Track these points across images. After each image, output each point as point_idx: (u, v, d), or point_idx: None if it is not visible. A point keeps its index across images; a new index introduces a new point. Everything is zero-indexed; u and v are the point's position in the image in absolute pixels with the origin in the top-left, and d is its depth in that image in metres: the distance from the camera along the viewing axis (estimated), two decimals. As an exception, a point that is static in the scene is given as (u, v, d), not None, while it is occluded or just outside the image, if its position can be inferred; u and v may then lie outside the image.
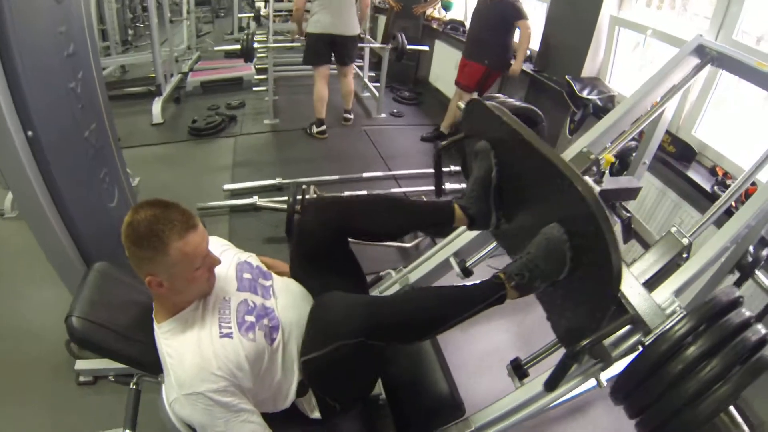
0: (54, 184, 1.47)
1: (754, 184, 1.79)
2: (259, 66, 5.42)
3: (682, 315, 1.19)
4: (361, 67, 5.43)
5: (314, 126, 4.31)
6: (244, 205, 3.13)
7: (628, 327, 1.26)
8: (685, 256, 1.40)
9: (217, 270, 1.25)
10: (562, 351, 1.54)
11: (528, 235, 1.30)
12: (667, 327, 1.18)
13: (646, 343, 1.22)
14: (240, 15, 6.98)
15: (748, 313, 1.19)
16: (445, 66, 5.24)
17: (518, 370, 1.55)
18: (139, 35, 6.70)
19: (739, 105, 2.63)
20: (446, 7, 5.45)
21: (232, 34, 7.11)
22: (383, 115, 4.90)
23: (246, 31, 4.45)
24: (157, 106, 4.45)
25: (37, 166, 1.41)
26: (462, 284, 1.33)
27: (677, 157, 2.60)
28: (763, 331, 1.14)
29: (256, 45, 4.31)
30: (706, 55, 1.84)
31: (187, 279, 1.13)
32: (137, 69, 5.51)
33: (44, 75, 1.46)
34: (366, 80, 5.35)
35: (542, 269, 1.23)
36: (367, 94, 5.33)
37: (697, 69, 1.86)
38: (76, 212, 1.58)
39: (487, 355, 2.23)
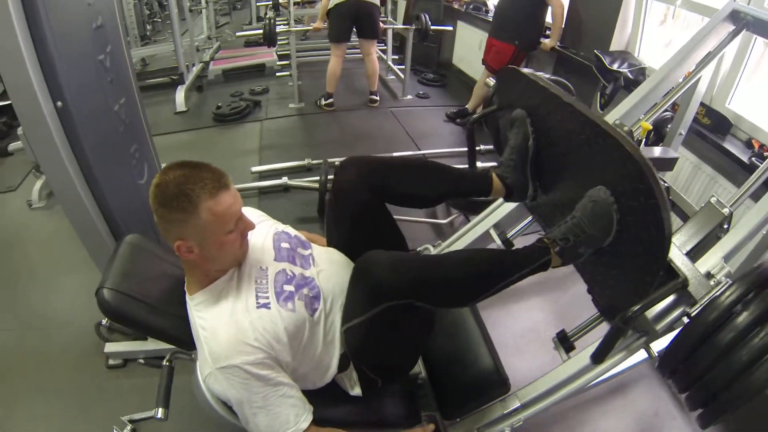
0: (84, 158, 1.43)
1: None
2: (281, 52, 5.38)
3: (728, 283, 1.14)
4: (384, 51, 5.37)
5: (323, 98, 4.48)
6: (273, 186, 3.11)
7: (671, 299, 1.24)
8: (725, 227, 1.37)
9: (254, 240, 1.21)
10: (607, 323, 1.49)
11: (568, 204, 1.26)
12: (715, 296, 1.13)
13: (693, 314, 1.17)
14: (258, 4, 6.94)
15: None
16: (468, 47, 5.16)
17: (565, 342, 1.51)
18: (157, 30, 6.76)
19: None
20: None
21: (251, 23, 7.07)
22: (409, 97, 4.84)
23: (268, 16, 4.41)
24: (180, 94, 4.45)
25: (66, 139, 1.37)
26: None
27: (712, 129, 2.52)
28: None
29: (278, 29, 4.26)
30: (740, 20, 1.78)
31: (218, 243, 1.07)
32: (158, 61, 5.54)
33: (73, 45, 1.42)
34: (390, 63, 5.29)
35: (588, 233, 1.18)
36: (392, 76, 5.28)
37: (732, 35, 1.81)
38: (107, 186, 1.54)
39: (527, 333, 2.18)
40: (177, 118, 4.27)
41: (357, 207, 1.37)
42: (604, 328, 1.49)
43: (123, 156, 1.76)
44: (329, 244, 1.48)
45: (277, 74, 5.06)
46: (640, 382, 2.01)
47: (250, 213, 1.29)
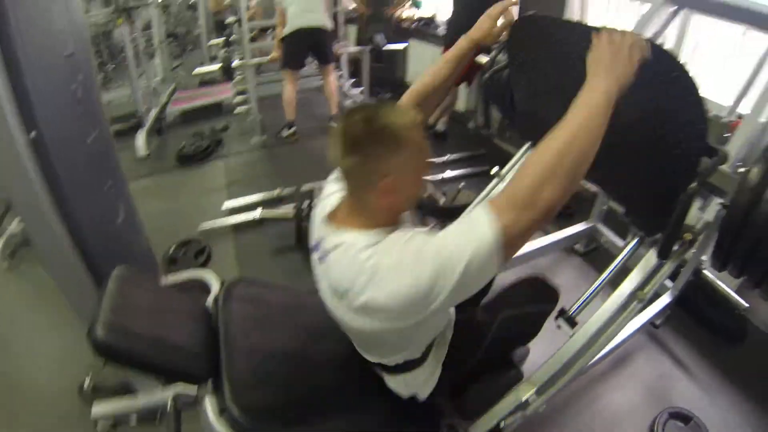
0: (60, 191, 1.36)
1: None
2: (239, 88, 5.33)
3: (747, 169, 1.25)
4: (340, 76, 5.39)
5: (285, 129, 4.44)
6: (247, 221, 3.03)
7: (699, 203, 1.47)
8: (726, 135, 1.50)
9: None
10: (602, 296, 1.60)
11: None
12: (742, 180, 1.24)
13: (727, 203, 1.31)
14: (210, 43, 6.87)
15: None
16: (422, 64, 5.26)
17: (567, 319, 1.57)
18: (109, 79, 6.62)
19: (713, 48, 2.72)
20: (416, 5, 5.48)
21: (203, 65, 7.00)
22: None
23: (225, 49, 4.41)
24: (140, 139, 4.35)
25: (41, 171, 1.30)
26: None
27: None
28: None
29: (235, 64, 4.30)
30: (676, 1, 1.92)
31: (418, 179, 1.09)
32: (114, 109, 5.35)
33: (46, 73, 1.37)
34: (347, 86, 5.32)
35: None
36: (350, 100, 5.27)
37: (673, 14, 1.96)
38: (84, 224, 1.47)
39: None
40: (139, 164, 4.16)
41: None
42: (598, 301, 1.56)
43: (98, 192, 1.70)
44: None
45: (236, 110, 4.95)
46: (640, 353, 2.15)
47: None
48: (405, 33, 5.43)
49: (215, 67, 4.47)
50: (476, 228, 0.93)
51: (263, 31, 5.82)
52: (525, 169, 0.95)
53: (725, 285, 1.98)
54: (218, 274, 2.34)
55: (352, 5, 5.56)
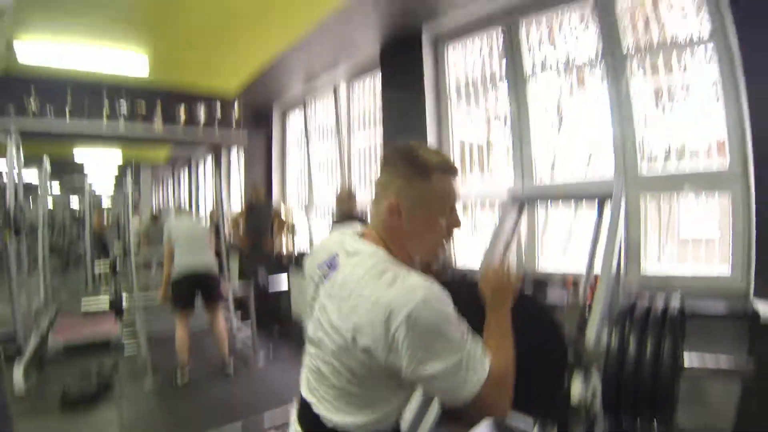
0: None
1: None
2: (128, 324, 5.15)
3: (609, 335, 1.59)
4: (228, 315, 5.39)
5: (178, 373, 4.32)
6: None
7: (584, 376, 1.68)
8: (587, 316, 1.82)
9: None
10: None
11: None
12: (606, 348, 1.58)
13: (602, 369, 1.60)
14: (96, 270, 6.76)
15: (645, 304, 1.68)
16: (304, 294, 5.50)
17: None
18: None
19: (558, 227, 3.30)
20: (293, 232, 5.95)
21: (87, 286, 6.82)
22: (261, 357, 4.95)
23: (113, 283, 4.50)
24: (18, 372, 3.95)
25: None
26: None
27: (536, 293, 2.99)
28: (663, 304, 1.64)
29: (124, 305, 4.39)
30: (520, 199, 2.34)
31: (428, 222, 1.13)
32: None
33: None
34: (236, 324, 5.39)
35: None
36: (241, 343, 5.26)
37: (520, 211, 2.35)
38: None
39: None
40: (17, 403, 3.69)
41: None
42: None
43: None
44: None
45: (126, 351, 4.90)
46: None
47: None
48: (285, 265, 5.84)
49: (104, 302, 4.49)
50: (476, 374, 1.05)
51: (148, 266, 5.97)
52: (506, 363, 1.11)
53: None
54: None
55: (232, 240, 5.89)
